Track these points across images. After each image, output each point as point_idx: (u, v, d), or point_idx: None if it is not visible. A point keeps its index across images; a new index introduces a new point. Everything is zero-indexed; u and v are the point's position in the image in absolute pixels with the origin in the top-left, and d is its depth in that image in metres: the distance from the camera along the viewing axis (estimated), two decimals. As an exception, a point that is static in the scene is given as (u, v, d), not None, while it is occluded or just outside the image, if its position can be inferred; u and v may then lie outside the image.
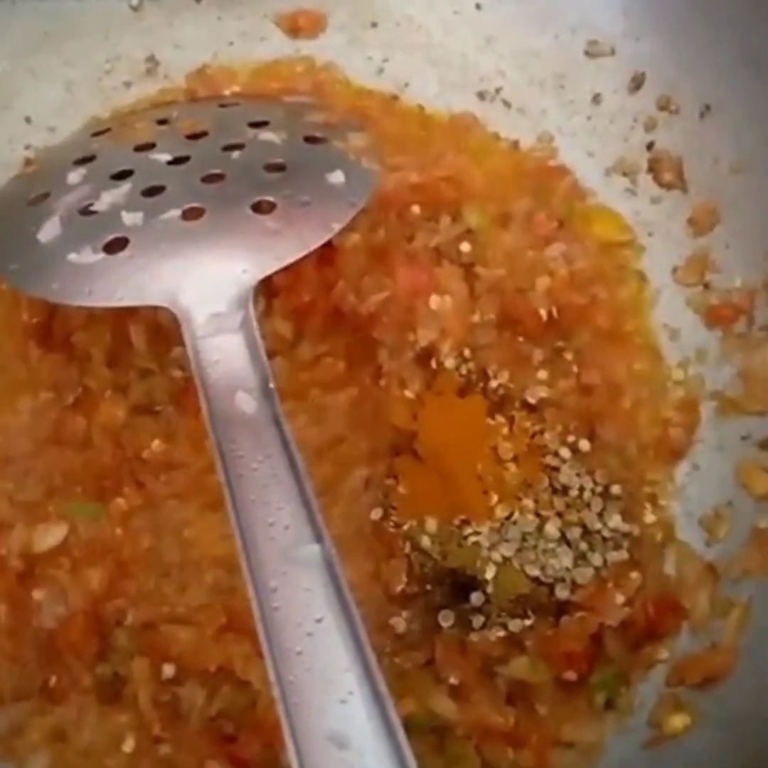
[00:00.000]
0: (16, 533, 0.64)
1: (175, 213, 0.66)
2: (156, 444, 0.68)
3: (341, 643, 0.47)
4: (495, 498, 0.64)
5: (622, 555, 0.64)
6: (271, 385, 0.58)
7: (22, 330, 0.71)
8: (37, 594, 0.63)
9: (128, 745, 0.59)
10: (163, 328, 0.70)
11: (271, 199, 0.67)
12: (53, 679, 0.61)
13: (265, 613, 0.48)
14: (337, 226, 0.67)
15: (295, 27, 0.85)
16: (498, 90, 0.83)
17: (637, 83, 0.79)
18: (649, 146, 0.79)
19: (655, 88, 0.79)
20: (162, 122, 0.76)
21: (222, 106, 0.80)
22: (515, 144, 0.81)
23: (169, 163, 0.70)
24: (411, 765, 0.43)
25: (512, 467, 0.66)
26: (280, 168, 0.70)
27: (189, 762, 0.58)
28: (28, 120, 0.80)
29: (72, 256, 0.64)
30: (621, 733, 0.61)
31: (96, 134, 0.76)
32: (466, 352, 0.71)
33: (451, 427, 0.67)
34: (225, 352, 0.60)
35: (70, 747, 0.59)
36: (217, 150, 0.71)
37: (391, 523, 0.65)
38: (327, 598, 0.49)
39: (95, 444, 0.68)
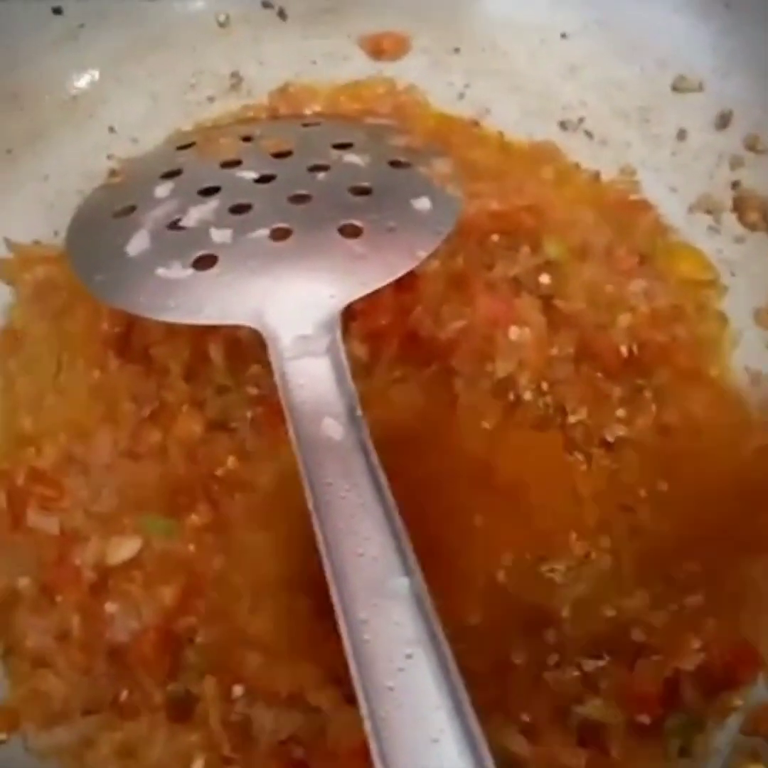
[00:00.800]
0: (91, 545, 0.64)
1: (264, 232, 0.65)
2: (230, 461, 0.68)
3: (432, 679, 0.47)
4: (573, 536, 0.64)
5: (699, 599, 0.64)
6: (359, 412, 0.58)
7: (102, 340, 0.71)
8: (110, 607, 0.63)
9: (198, 765, 0.59)
10: (241, 345, 0.70)
11: (358, 223, 0.67)
12: (124, 694, 0.61)
13: (356, 646, 0.48)
14: (423, 254, 0.67)
15: (379, 49, 0.86)
16: (581, 120, 0.83)
17: (724, 121, 0.79)
18: (734, 185, 0.78)
19: (742, 126, 0.78)
20: (246, 139, 0.76)
21: (305, 125, 0.79)
22: (596, 175, 0.81)
23: (256, 181, 0.70)
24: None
25: (590, 505, 0.65)
26: (365, 191, 0.70)
27: (259, 785, 0.58)
28: (111, 130, 0.81)
29: (160, 271, 0.64)
30: (696, 780, 0.60)
31: (181, 148, 0.76)
32: (544, 386, 0.70)
33: (528, 461, 0.67)
34: (311, 376, 0.60)
35: (138, 763, 0.59)
36: (303, 170, 0.71)
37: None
38: (417, 633, 0.48)
39: (170, 458, 0.68)
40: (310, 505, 0.53)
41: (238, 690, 0.61)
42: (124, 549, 0.64)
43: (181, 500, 0.67)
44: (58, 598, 0.63)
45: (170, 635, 0.62)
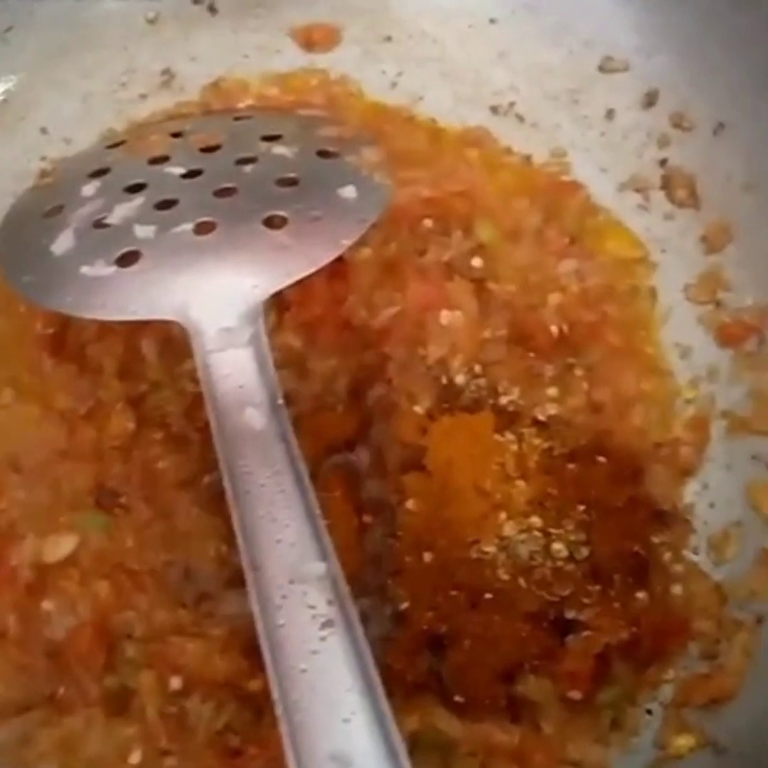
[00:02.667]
0: (27, 543, 0.64)
1: (188, 227, 0.66)
2: (166, 457, 0.69)
3: (344, 661, 0.47)
4: (503, 515, 0.65)
5: (627, 576, 0.64)
6: (280, 401, 0.59)
7: (36, 341, 0.72)
8: (47, 605, 0.63)
9: (135, 757, 0.59)
10: (174, 341, 0.70)
11: (282, 213, 0.67)
12: (61, 690, 0.61)
13: (269, 631, 0.49)
14: (347, 242, 0.67)
15: (310, 40, 0.86)
16: (511, 104, 0.83)
17: (650, 100, 0.79)
18: (662, 163, 0.78)
19: (668, 104, 0.79)
20: (176, 135, 0.76)
21: (236, 119, 0.80)
22: (528, 158, 0.81)
23: (183, 176, 0.71)
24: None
25: (521, 484, 0.66)
26: (292, 182, 0.70)
27: (195, 775, 0.59)
28: (44, 131, 0.81)
29: (85, 269, 0.64)
30: (626, 753, 0.61)
31: (111, 147, 0.77)
32: (477, 368, 0.71)
33: (460, 442, 0.67)
34: (234, 367, 0.60)
35: (77, 758, 0.60)
36: (230, 163, 0.72)
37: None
38: (331, 616, 0.49)
39: (105, 456, 0.68)
40: (229, 495, 0.54)
41: (175, 682, 0.61)
42: (60, 547, 0.65)
43: (118, 497, 0.68)
44: (-5, 598, 0.64)
45: (107, 630, 0.62)
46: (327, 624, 0.49)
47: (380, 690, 0.46)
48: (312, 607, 0.49)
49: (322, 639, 0.48)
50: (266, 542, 0.52)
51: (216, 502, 0.66)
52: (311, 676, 0.47)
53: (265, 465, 0.55)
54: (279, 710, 0.46)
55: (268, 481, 0.55)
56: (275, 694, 0.46)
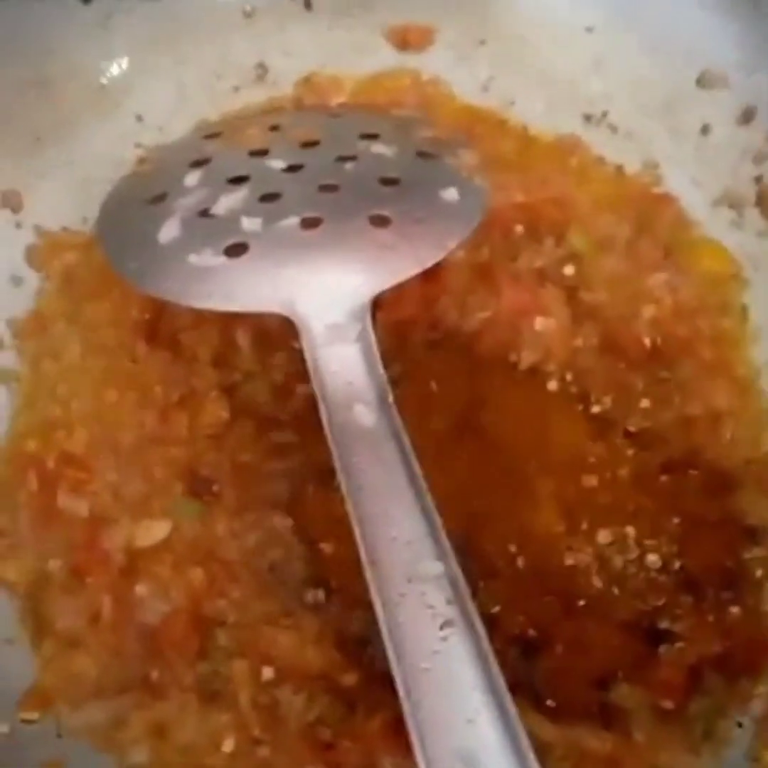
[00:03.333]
0: (119, 527, 0.65)
1: (294, 221, 0.66)
2: (257, 447, 0.69)
3: (467, 660, 0.48)
4: (597, 524, 0.65)
5: (722, 590, 0.64)
6: (390, 399, 0.59)
7: (131, 326, 0.72)
8: (140, 589, 0.63)
9: (228, 746, 0.59)
10: (267, 333, 0.71)
11: (386, 213, 0.67)
12: (155, 675, 0.62)
13: (390, 627, 0.49)
14: (452, 245, 0.67)
15: (404, 41, 0.86)
16: (605, 114, 0.83)
17: (747, 116, 0.79)
18: (758, 180, 0.78)
19: (765, 122, 0.78)
20: (273, 128, 0.76)
21: (331, 116, 0.80)
22: (620, 169, 0.81)
23: (284, 170, 0.71)
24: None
25: (615, 494, 0.66)
26: (393, 182, 0.70)
27: (287, 765, 0.59)
28: (139, 118, 0.81)
29: (193, 258, 0.64)
30: (717, 764, 0.61)
31: (208, 137, 0.77)
32: (569, 376, 0.71)
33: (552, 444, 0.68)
34: (342, 363, 0.61)
35: (170, 743, 0.60)
36: (331, 160, 0.72)
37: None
38: (451, 616, 0.49)
39: (198, 443, 0.69)
40: (344, 489, 0.54)
41: (267, 672, 0.61)
42: (153, 532, 0.65)
43: (211, 485, 0.68)
44: (89, 580, 0.64)
45: (199, 617, 0.63)
46: (447, 624, 0.49)
47: (504, 689, 0.47)
48: (431, 606, 0.50)
49: (443, 639, 0.49)
50: (382, 539, 0.52)
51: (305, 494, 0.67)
52: (434, 675, 0.47)
53: (377, 462, 0.56)
54: (405, 708, 0.46)
55: (380, 478, 0.55)
56: (401, 692, 0.47)
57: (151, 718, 0.61)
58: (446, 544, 0.52)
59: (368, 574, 0.51)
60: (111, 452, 0.68)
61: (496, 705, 0.46)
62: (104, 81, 0.81)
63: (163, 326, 0.72)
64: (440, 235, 0.67)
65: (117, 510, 0.66)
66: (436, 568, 0.51)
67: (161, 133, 0.81)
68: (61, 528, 0.66)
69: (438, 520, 0.53)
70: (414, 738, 0.45)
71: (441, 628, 0.49)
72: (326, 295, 0.63)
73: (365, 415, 0.58)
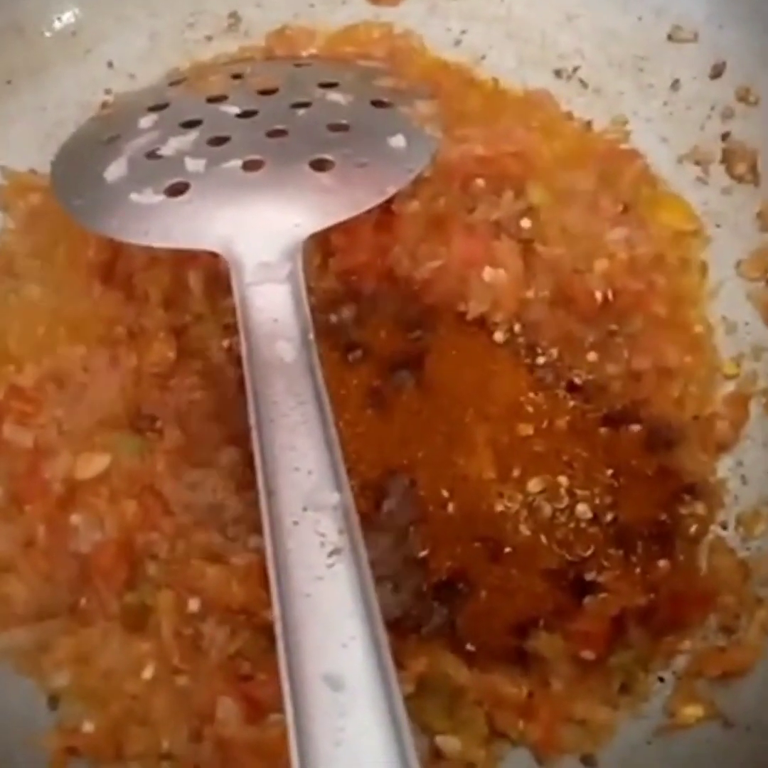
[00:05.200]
0: (60, 459, 0.66)
1: (237, 163, 0.67)
2: (203, 388, 0.70)
3: (348, 588, 0.48)
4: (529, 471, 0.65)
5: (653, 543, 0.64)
6: (311, 336, 0.59)
7: (87, 266, 0.73)
8: (75, 519, 0.64)
9: (147, 673, 0.61)
10: (219, 276, 0.71)
11: (329, 157, 0.68)
12: (83, 602, 0.63)
13: (278, 554, 0.49)
14: (391, 190, 0.68)
15: (378, -7, 0.86)
16: (575, 69, 0.82)
17: (717, 71, 0.77)
18: (725, 136, 0.77)
19: (735, 77, 0.77)
20: (236, 76, 0.77)
21: (296, 65, 0.80)
22: (588, 124, 0.80)
23: (238, 115, 0.72)
24: (401, 711, 0.44)
25: (549, 442, 0.66)
26: (342, 128, 0.71)
27: (204, 695, 0.59)
28: (110, 65, 0.82)
29: (133, 196, 0.66)
30: (634, 717, 0.61)
31: (173, 84, 0.78)
32: (517, 328, 0.71)
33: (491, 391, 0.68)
34: (270, 301, 0.61)
35: (91, 668, 0.61)
36: (285, 106, 0.72)
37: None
38: (340, 545, 0.50)
39: (144, 382, 0.70)
40: (252, 421, 0.55)
41: (193, 604, 0.62)
42: (93, 465, 0.66)
43: (153, 422, 0.69)
44: (27, 508, 0.65)
45: (131, 548, 0.64)
46: (335, 552, 0.49)
47: (379, 619, 0.47)
48: (322, 534, 0.50)
49: (329, 566, 0.49)
50: (284, 469, 0.53)
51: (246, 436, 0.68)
52: (314, 600, 0.48)
53: (291, 395, 0.56)
54: (278, 629, 0.47)
55: (292, 411, 0.56)
56: (276, 613, 0.47)
57: (74, 644, 0.62)
58: (345, 475, 0.52)
59: (263, 503, 0.51)
60: (59, 388, 0.69)
61: (370, 633, 0.46)
62: (76, 27, 0.82)
63: (118, 267, 0.73)
64: (381, 180, 0.67)
65: (60, 443, 0.67)
66: (334, 498, 0.51)
67: (132, 80, 0.82)
68: (4, 458, 0.67)
69: (339, 452, 0.53)
70: (282, 661, 0.45)
71: (329, 555, 0.49)
72: (260, 234, 0.64)
73: (287, 350, 0.59)
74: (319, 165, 0.67)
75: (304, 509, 0.51)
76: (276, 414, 0.55)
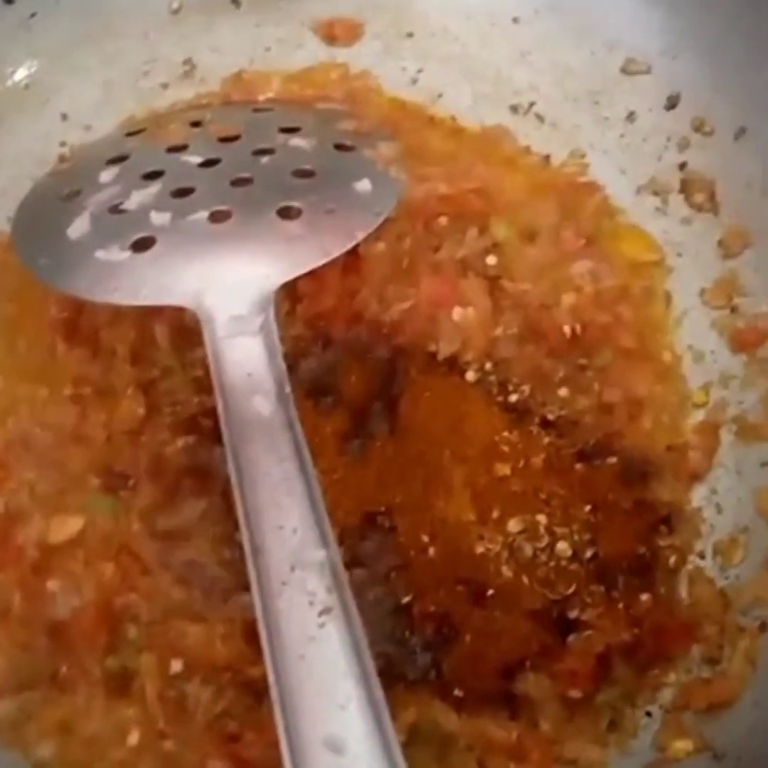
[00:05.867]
0: (33, 523, 0.65)
1: (203, 215, 0.67)
2: (177, 442, 0.69)
3: (341, 648, 0.48)
4: (508, 512, 0.65)
5: (631, 577, 0.64)
6: (288, 390, 0.59)
7: (50, 324, 0.72)
8: (52, 584, 0.63)
9: (133, 738, 0.59)
10: (186, 329, 0.70)
11: (297, 205, 0.68)
12: (63, 669, 0.61)
13: (268, 616, 0.49)
14: (360, 235, 0.68)
15: (332, 34, 0.86)
16: (531, 104, 0.83)
17: (672, 103, 0.79)
18: (682, 166, 0.78)
19: (690, 108, 0.78)
20: (195, 124, 0.76)
21: (256, 110, 0.80)
22: (546, 158, 0.81)
23: (200, 165, 0.71)
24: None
25: (526, 482, 0.66)
26: (308, 174, 0.71)
27: (192, 759, 0.58)
28: (64, 117, 0.82)
29: (100, 254, 0.65)
30: (624, 754, 0.61)
31: (130, 134, 0.77)
32: (488, 366, 0.71)
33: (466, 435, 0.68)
34: (244, 355, 0.61)
35: (75, 737, 0.60)
36: (248, 154, 0.72)
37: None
38: (330, 604, 0.49)
39: (115, 439, 0.69)
40: (233, 480, 0.54)
41: (176, 665, 0.61)
42: (66, 527, 0.65)
43: (126, 480, 0.68)
44: (0, 576, 0.64)
45: (110, 611, 0.63)
46: (325, 611, 0.49)
47: (375, 678, 0.46)
48: (311, 593, 0.50)
49: (321, 626, 0.48)
50: (269, 528, 0.52)
51: (223, 489, 0.67)
52: (308, 662, 0.47)
53: (271, 452, 0.56)
54: (274, 694, 0.46)
55: (273, 468, 0.55)
56: (271, 679, 0.46)
57: (58, 713, 0.60)
58: (330, 532, 0.52)
59: (250, 563, 0.51)
60: (27, 449, 0.68)
61: (366, 693, 0.46)
62: (29, 81, 0.81)
63: (82, 323, 0.72)
64: (349, 226, 0.68)
65: (31, 506, 0.66)
66: (320, 555, 0.51)
67: (88, 131, 0.82)
68: (-26, 525, 0.66)
69: (323, 508, 0.53)
70: (280, 725, 0.45)
71: (319, 615, 0.49)
72: (230, 287, 0.63)
73: (263, 405, 0.58)
74: (287, 213, 0.67)
75: (292, 569, 0.50)
76: (257, 472, 0.55)
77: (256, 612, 0.49)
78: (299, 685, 0.46)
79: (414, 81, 0.85)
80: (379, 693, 0.46)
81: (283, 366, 0.60)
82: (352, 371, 0.71)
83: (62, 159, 0.77)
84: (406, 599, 0.63)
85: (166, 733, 0.60)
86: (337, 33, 0.86)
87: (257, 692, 0.60)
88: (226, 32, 0.85)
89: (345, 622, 0.48)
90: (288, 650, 0.48)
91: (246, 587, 0.61)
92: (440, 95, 0.84)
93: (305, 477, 0.54)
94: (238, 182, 0.69)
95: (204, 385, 0.70)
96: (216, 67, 0.84)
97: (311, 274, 0.68)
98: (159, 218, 0.66)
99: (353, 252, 0.71)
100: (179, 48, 0.84)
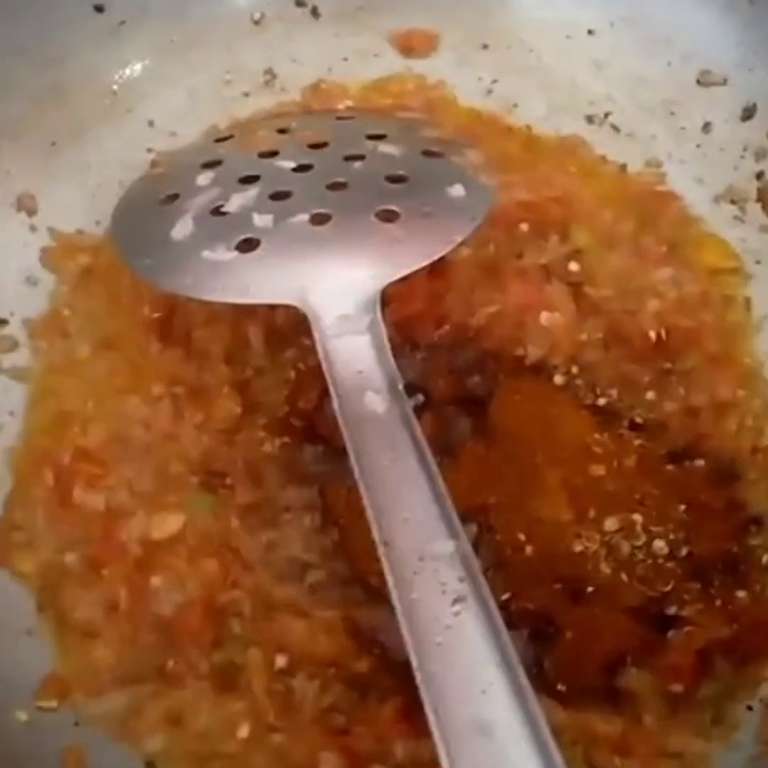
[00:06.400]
0: (135, 520, 0.66)
1: (304, 217, 0.67)
2: (274, 441, 0.70)
3: (479, 635, 0.49)
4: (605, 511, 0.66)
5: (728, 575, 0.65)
6: (400, 386, 0.60)
7: (144, 325, 0.73)
8: (156, 580, 0.64)
9: (243, 732, 0.60)
10: (279, 331, 0.72)
11: (394, 208, 0.68)
12: (170, 664, 0.62)
13: (404, 603, 0.50)
14: (458, 239, 0.69)
15: (409, 46, 0.88)
16: (607, 115, 0.85)
17: (748, 114, 0.81)
18: (759, 176, 0.80)
19: (766, 118, 0.80)
20: (282, 131, 0.77)
21: (339, 118, 0.82)
22: (623, 168, 0.83)
23: (294, 170, 0.72)
24: (555, 753, 0.44)
25: (621, 482, 0.67)
26: (401, 179, 0.71)
27: (303, 752, 0.59)
28: (150, 124, 0.83)
29: (206, 253, 0.66)
30: (728, 747, 0.61)
31: (219, 140, 0.79)
32: (575, 370, 0.72)
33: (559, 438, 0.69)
34: (353, 353, 0.62)
35: (186, 730, 0.60)
36: (339, 160, 0.73)
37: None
38: (463, 593, 0.50)
39: (211, 438, 0.70)
40: (356, 474, 0.55)
41: (280, 660, 0.62)
42: (167, 524, 0.66)
43: (223, 478, 0.69)
44: (105, 573, 0.65)
45: (214, 607, 0.64)
46: (459, 600, 0.50)
47: (517, 661, 0.47)
48: (443, 583, 0.51)
49: (455, 614, 0.49)
50: (395, 520, 0.53)
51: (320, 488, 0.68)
52: (447, 648, 0.48)
53: (389, 447, 0.57)
54: (418, 680, 0.47)
55: (392, 463, 0.56)
56: (414, 665, 0.47)
57: (166, 706, 0.61)
58: (458, 524, 0.53)
59: (381, 553, 0.51)
60: (125, 448, 0.69)
61: (508, 677, 0.47)
62: (116, 87, 0.83)
63: (175, 324, 0.73)
64: (447, 230, 0.68)
65: (132, 504, 0.67)
66: (448, 547, 0.52)
67: (173, 138, 0.83)
68: (77, 522, 0.67)
69: (449, 503, 0.53)
70: (428, 709, 0.46)
71: (452, 603, 0.50)
72: (336, 287, 0.64)
73: (376, 402, 0.59)
74: (385, 216, 0.68)
75: (421, 559, 0.51)
76: (377, 466, 0.56)
77: (393, 599, 0.50)
78: (441, 671, 0.47)
79: (489, 91, 0.86)
80: (523, 680, 0.47)
81: (393, 364, 0.61)
82: (440, 374, 0.72)
83: (154, 164, 0.79)
84: (504, 597, 0.64)
85: (276, 727, 0.61)
86: (413, 44, 0.87)
87: (363, 687, 0.62)
88: (306, 42, 0.87)
89: (480, 610, 0.49)
90: (425, 637, 0.48)
91: (345, 582, 0.65)
92: (515, 105, 0.86)
93: (427, 472, 0.55)
94: (334, 186, 0.70)
95: (295, 386, 0.72)
96: (295, 77, 0.86)
97: (398, 278, 0.69)
98: (261, 220, 0.67)
99: (439, 257, 0.72)
100: (260, 57, 0.86)
